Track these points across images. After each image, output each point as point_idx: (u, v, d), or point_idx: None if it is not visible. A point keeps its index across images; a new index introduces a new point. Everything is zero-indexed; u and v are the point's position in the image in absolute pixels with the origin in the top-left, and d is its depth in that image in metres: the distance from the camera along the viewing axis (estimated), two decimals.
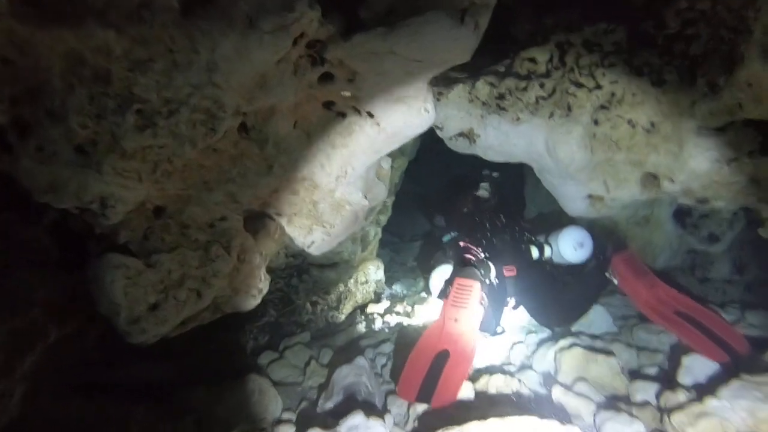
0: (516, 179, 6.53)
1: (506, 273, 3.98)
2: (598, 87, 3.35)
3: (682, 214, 4.65)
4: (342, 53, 2.32)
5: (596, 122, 3.42)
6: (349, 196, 2.86)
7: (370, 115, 2.66)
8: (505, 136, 3.61)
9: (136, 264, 2.39)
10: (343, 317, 5.34)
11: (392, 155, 5.49)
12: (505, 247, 4.10)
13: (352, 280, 5.36)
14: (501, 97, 3.57)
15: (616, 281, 3.69)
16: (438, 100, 3.63)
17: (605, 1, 3.23)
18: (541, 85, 3.49)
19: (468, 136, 3.73)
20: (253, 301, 2.98)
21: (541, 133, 3.53)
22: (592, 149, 3.45)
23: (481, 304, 3.33)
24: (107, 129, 2.02)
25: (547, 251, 4.11)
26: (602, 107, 3.39)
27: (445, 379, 2.88)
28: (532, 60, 3.50)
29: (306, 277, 5.09)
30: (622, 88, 3.29)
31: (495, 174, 5.78)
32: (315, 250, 2.95)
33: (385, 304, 5.57)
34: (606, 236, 4.59)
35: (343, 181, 2.78)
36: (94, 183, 2.09)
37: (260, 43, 2.08)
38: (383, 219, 5.65)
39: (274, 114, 2.43)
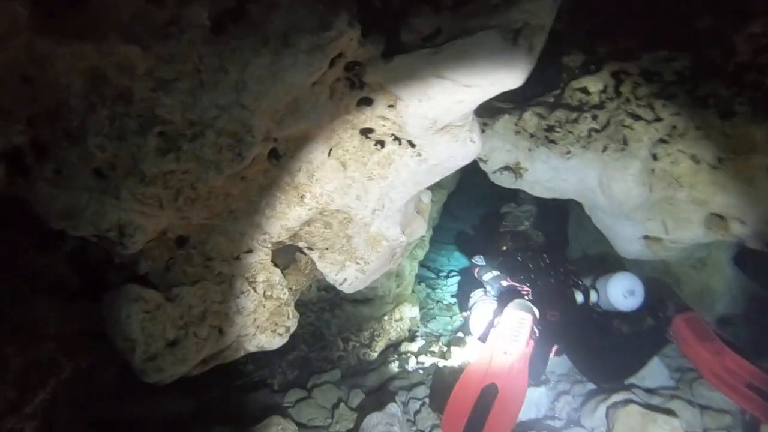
0: (558, 216, 6.22)
1: (549, 318, 3.66)
2: (658, 119, 3.07)
3: (743, 257, 4.29)
4: (383, 76, 2.13)
5: (655, 157, 3.13)
6: (386, 231, 2.63)
7: (411, 145, 2.44)
8: (555, 171, 3.35)
9: (156, 297, 2.21)
10: (375, 355, 5.07)
11: (431, 188, 5.31)
12: (549, 290, 3.79)
13: (386, 317, 5.10)
14: (550, 129, 3.32)
15: (676, 343, 3.43)
16: (483, 130, 3.40)
17: (666, 26, 2.97)
18: (594, 117, 3.23)
19: (514, 169, 3.48)
20: (279, 340, 2.75)
21: (594, 169, 3.25)
22: (651, 186, 3.15)
23: (532, 339, 3.12)
24: (127, 152, 1.86)
25: (593, 296, 3.79)
26: (662, 141, 3.10)
27: (494, 418, 2.66)
28: (584, 90, 3.26)
29: (339, 312, 4.86)
30: (684, 121, 3.00)
31: (524, 208, 5.52)
32: (348, 288, 2.72)
33: (419, 343, 5.27)
34: (666, 292, 4.21)
35: (380, 214, 2.56)
36: (112, 209, 1.92)
37: (295, 64, 1.90)
38: (420, 254, 5.40)
39: (308, 140, 2.24)
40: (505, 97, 3.47)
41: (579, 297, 3.75)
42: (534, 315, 3.19)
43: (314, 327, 4.95)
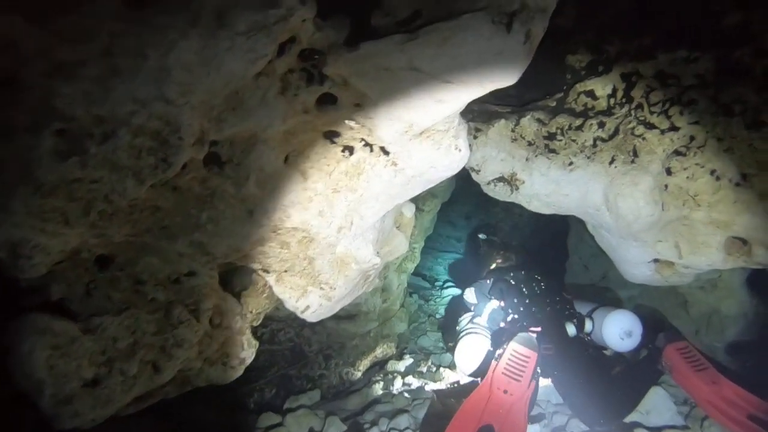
0: (557, 232, 5.81)
1: (543, 351, 3.27)
2: (674, 128, 2.64)
3: (757, 280, 3.88)
4: (346, 68, 1.70)
5: (669, 171, 2.70)
6: (355, 252, 2.21)
7: (385, 152, 2.02)
8: (555, 185, 2.91)
9: (68, 329, 1.78)
10: (359, 374, 4.66)
11: (419, 197, 4.88)
12: (545, 319, 3.37)
13: (371, 334, 4.67)
14: (551, 137, 2.89)
15: (670, 374, 3.20)
16: (475, 137, 2.97)
17: (686, 23, 2.54)
18: (601, 125, 2.80)
19: (510, 181, 3.05)
20: (233, 373, 2.34)
21: (599, 183, 2.82)
22: (663, 204, 2.72)
23: (534, 379, 2.88)
24: (16, 154, 1.44)
25: (588, 326, 3.43)
26: (677, 153, 2.67)
27: None
28: (591, 94, 2.83)
29: (320, 328, 4.44)
30: (704, 131, 2.57)
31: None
32: (311, 317, 2.30)
33: (407, 361, 4.85)
34: (656, 321, 3.92)
35: (347, 233, 2.14)
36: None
37: (231, 49, 1.48)
38: (410, 266, 4.96)
39: (257, 144, 1.81)
40: (501, 99, 3.06)
41: (570, 329, 3.38)
42: (538, 353, 2.90)
43: (294, 343, 4.53)
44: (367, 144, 2.02)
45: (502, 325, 3.59)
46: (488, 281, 3.98)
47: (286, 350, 4.58)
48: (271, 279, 2.18)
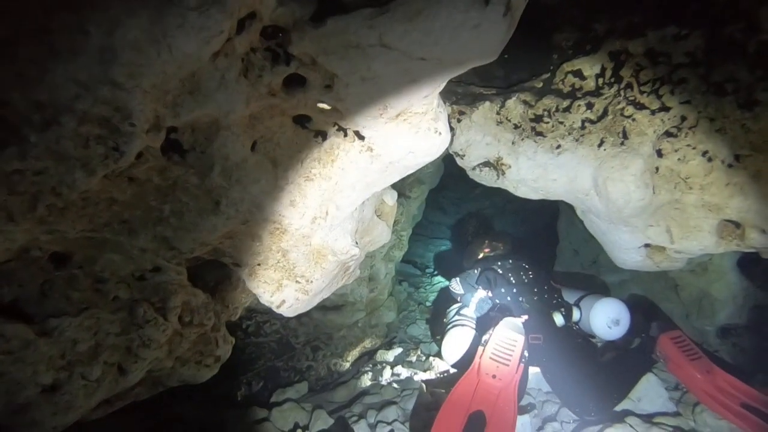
0: (547, 211, 5.71)
1: (532, 340, 3.24)
2: (664, 109, 2.52)
3: (748, 262, 3.81)
4: (313, 46, 1.56)
5: (660, 153, 2.59)
6: (332, 243, 2.08)
7: (359, 137, 1.89)
8: (542, 169, 2.79)
9: (22, 332, 1.65)
10: (347, 365, 4.57)
11: (406, 184, 4.75)
12: (533, 309, 3.29)
13: (359, 324, 4.56)
14: (538, 119, 2.76)
15: (664, 363, 3.24)
16: (458, 120, 2.84)
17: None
18: (589, 106, 2.67)
19: (495, 166, 2.92)
20: (207, 372, 2.22)
21: (588, 166, 2.69)
22: (654, 188, 2.61)
23: (522, 362, 2.84)
24: None
25: (576, 314, 3.45)
26: (669, 134, 2.55)
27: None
28: (578, 73, 2.69)
29: (306, 319, 4.33)
30: (696, 111, 2.45)
31: None
32: (288, 312, 2.17)
33: (396, 351, 4.75)
34: (648, 309, 3.94)
35: (322, 224, 2.00)
36: None
37: (183, 26, 1.34)
38: (397, 255, 4.85)
39: (221, 131, 1.67)
40: (486, 81, 2.92)
41: (558, 319, 3.37)
42: (525, 337, 2.90)
43: (280, 335, 4.43)
44: (340, 129, 1.88)
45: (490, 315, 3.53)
46: (476, 271, 3.90)
47: (273, 342, 4.47)
48: (243, 273, 2.06)
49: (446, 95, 2.83)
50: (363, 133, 1.86)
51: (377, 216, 2.56)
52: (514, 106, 2.79)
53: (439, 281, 7.01)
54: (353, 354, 4.61)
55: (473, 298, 3.77)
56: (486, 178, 3.02)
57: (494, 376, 2.65)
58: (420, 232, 9.08)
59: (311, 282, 2.11)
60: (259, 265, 2.04)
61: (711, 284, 4.02)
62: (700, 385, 2.98)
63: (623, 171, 2.57)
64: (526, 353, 2.92)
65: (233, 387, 4.19)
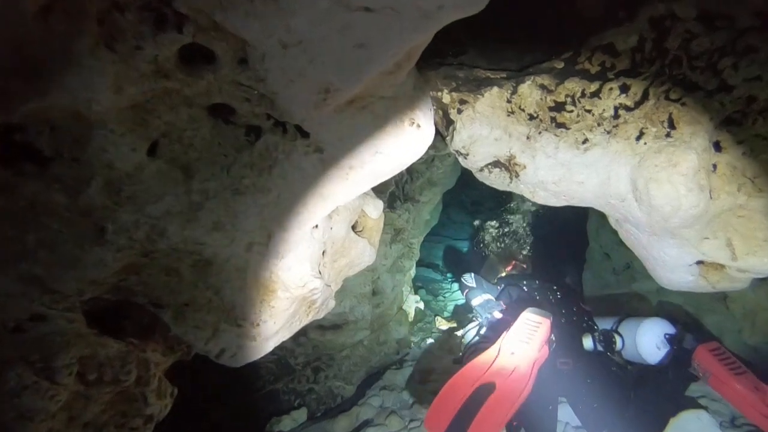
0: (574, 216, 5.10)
1: (560, 365, 2.88)
2: (725, 88, 1.88)
3: None
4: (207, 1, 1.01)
5: (719, 147, 1.95)
6: (283, 275, 1.53)
7: (302, 133, 1.33)
8: (565, 169, 2.17)
9: None
10: (352, 388, 4.01)
11: (415, 186, 4.16)
12: (560, 331, 2.80)
13: (365, 343, 4.02)
14: (559, 107, 2.15)
15: (702, 379, 2.72)
16: (459, 111, 2.25)
17: None
18: (624, 88, 2.05)
19: (508, 166, 2.32)
20: None
21: (624, 165, 2.06)
22: (711, 191, 1.97)
23: (548, 345, 2.65)
24: None
25: (618, 342, 2.94)
26: (730, 122, 1.92)
27: (483, 414, 2.18)
28: (609, 49, 2.07)
29: (303, 339, 3.81)
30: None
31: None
32: (232, 362, 1.63)
33: (408, 370, 4.18)
34: (681, 318, 3.53)
35: (263, 250, 1.45)
36: None
37: None
38: (407, 264, 4.27)
39: (94, 129, 1.14)
40: (494, 62, 2.33)
41: (588, 342, 2.98)
42: (552, 321, 2.67)
43: (276, 355, 3.92)
44: (277, 123, 1.33)
45: (496, 315, 3.31)
46: (499, 287, 3.49)
47: (271, 363, 3.98)
48: (166, 316, 1.52)
49: (444, 81, 2.24)
50: (305, 127, 1.30)
51: (356, 232, 2.00)
52: (529, 91, 2.18)
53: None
54: (359, 375, 4.07)
55: (481, 296, 3.53)
56: (497, 180, 2.42)
57: (513, 353, 2.45)
58: (441, 233, 8.49)
59: (258, 325, 1.56)
60: (186, 305, 1.51)
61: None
62: (752, 404, 2.49)
63: (670, 170, 1.93)
64: (553, 337, 2.74)
65: (230, 414, 3.77)
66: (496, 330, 3.19)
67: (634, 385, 2.94)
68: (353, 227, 2.02)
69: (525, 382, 2.37)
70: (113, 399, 1.61)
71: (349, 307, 3.45)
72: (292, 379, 3.98)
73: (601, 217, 4.55)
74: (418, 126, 1.38)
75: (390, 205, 3.58)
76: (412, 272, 5.47)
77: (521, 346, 2.51)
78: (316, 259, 1.65)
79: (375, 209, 2.06)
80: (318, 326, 3.67)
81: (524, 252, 4.51)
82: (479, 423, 2.18)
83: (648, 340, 2.87)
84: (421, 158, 3.58)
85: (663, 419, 2.68)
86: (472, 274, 3.69)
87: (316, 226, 1.61)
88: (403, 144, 1.39)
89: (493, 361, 2.45)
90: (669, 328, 2.92)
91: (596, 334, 2.93)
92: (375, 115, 1.30)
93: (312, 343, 3.77)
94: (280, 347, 3.94)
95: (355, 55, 1.06)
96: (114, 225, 1.24)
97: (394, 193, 3.64)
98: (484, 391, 2.27)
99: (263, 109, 1.28)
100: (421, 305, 5.39)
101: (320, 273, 1.67)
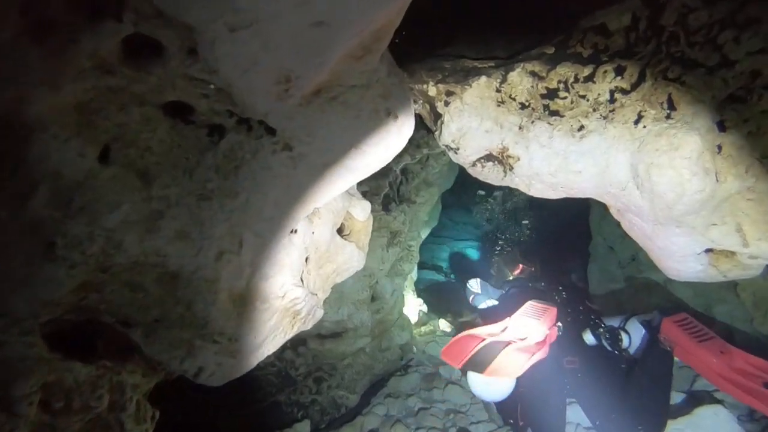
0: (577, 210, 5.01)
1: (567, 364, 2.85)
2: (727, 63, 1.76)
3: None
4: None
5: (723, 126, 1.82)
6: (259, 285, 1.41)
7: (268, 130, 1.21)
8: (561, 158, 2.04)
9: None
10: (355, 397, 3.88)
11: (411, 187, 4.04)
12: (566, 330, 2.70)
13: (367, 350, 3.88)
14: (551, 94, 2.03)
15: (672, 351, 2.72)
16: (446, 104, 2.12)
17: None
18: (619, 70, 1.93)
19: (501, 159, 2.19)
20: None
21: (623, 151, 1.93)
22: (717, 174, 1.84)
23: (556, 328, 2.69)
24: None
25: (624, 340, 2.87)
26: (734, 99, 1.79)
27: (503, 358, 2.25)
28: (602, 29, 1.95)
29: (303, 349, 3.69)
30: None
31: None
32: (211, 381, 1.50)
33: (412, 375, 4.05)
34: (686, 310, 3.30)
35: (235, 260, 1.33)
36: None
37: None
38: (407, 268, 4.14)
39: (34, 133, 1.02)
40: (481, 51, 2.21)
41: (588, 338, 2.92)
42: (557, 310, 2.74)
43: (276, 367, 3.80)
44: (241, 120, 1.21)
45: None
46: (504, 290, 3.43)
47: (271, 375, 3.86)
48: (136, 335, 1.40)
49: (429, 73, 2.12)
50: (270, 123, 1.18)
51: (343, 236, 1.88)
52: (519, 79, 2.06)
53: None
54: (362, 383, 3.93)
55: (486, 302, 3.55)
56: (490, 175, 2.29)
57: (525, 326, 2.48)
58: (444, 234, 8.37)
59: (236, 340, 1.44)
60: (156, 322, 1.39)
61: None
62: (715, 369, 2.52)
63: (672, 153, 1.80)
64: (560, 324, 2.74)
65: (229, 427, 3.64)
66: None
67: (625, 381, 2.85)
68: (339, 231, 1.90)
69: (542, 344, 2.44)
70: (85, 427, 1.49)
71: (348, 315, 3.32)
72: (294, 390, 3.84)
73: (603, 209, 4.44)
74: (396, 117, 1.26)
75: (385, 207, 3.46)
76: (414, 275, 5.34)
77: (531, 321, 2.55)
78: (297, 266, 1.52)
79: (362, 211, 1.94)
80: (317, 335, 3.55)
81: (525, 248, 4.44)
82: (499, 364, 2.26)
83: (639, 332, 2.86)
84: (414, 158, 3.48)
85: (659, 407, 2.65)
86: (478, 280, 3.70)
87: (295, 230, 1.49)
88: (380, 137, 1.27)
89: (504, 329, 2.50)
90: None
91: (601, 330, 2.83)
92: (346, 106, 1.18)
93: (312, 352, 3.65)
94: (280, 358, 3.84)
95: (314, 36, 0.95)
96: (64, 239, 1.12)
97: (389, 194, 3.51)
98: (498, 345, 2.34)
99: (223, 106, 1.16)
100: (425, 308, 5.26)
101: (302, 281, 1.55)
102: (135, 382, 1.64)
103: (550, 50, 2.08)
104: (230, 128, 1.22)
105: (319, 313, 1.80)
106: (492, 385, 2.82)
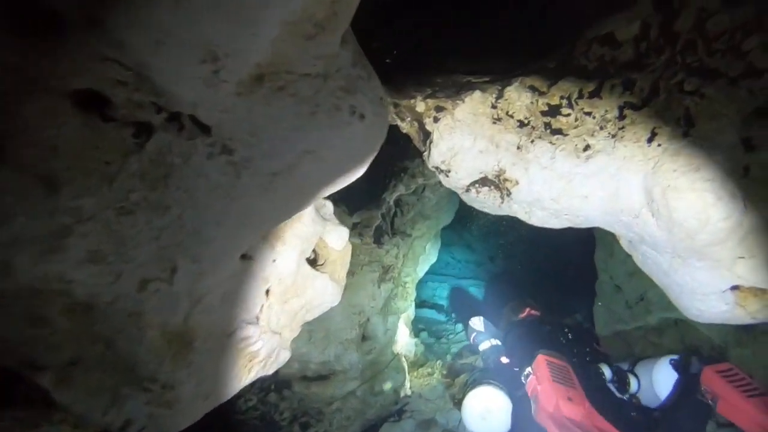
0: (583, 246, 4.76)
1: None
2: (754, 73, 1.52)
3: None
4: None
5: (750, 144, 1.57)
6: (201, 320, 1.14)
7: (203, 129, 0.97)
8: (565, 182, 1.79)
9: None
10: None
11: (406, 219, 3.78)
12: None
13: (357, 393, 3.56)
14: (553, 110, 1.80)
15: (712, 405, 2.39)
16: (435, 120, 1.89)
17: None
18: (628, 84, 1.70)
19: (497, 183, 1.94)
20: None
21: (635, 173, 1.68)
22: (745, 200, 1.58)
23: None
24: None
25: (633, 384, 2.69)
26: (761, 114, 1.55)
27: None
28: (609, 39, 1.74)
29: (287, 392, 3.37)
30: None
31: None
32: None
33: (406, 422, 3.70)
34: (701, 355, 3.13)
35: (167, 290, 1.07)
36: None
37: None
38: (402, 306, 3.85)
39: None
40: (475, 66, 1.99)
41: (607, 371, 2.74)
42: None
43: (260, 411, 3.47)
44: (172, 117, 0.98)
45: (503, 360, 3.04)
46: (506, 331, 3.21)
47: (255, 419, 3.53)
48: (45, 380, 1.13)
49: (417, 87, 1.90)
50: (202, 117, 0.94)
51: (316, 267, 1.61)
52: (518, 95, 1.83)
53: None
54: (352, 430, 3.59)
55: (488, 341, 3.29)
56: (486, 201, 2.04)
57: (570, 399, 2.30)
58: (444, 272, 8.07)
59: (172, 388, 1.16)
60: (71, 365, 1.12)
61: None
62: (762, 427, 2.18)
63: (692, 175, 1.55)
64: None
65: None
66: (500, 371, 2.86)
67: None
68: (313, 261, 1.64)
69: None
70: None
71: (335, 356, 3.02)
72: None
73: (610, 244, 4.15)
74: (362, 116, 1.02)
75: (377, 240, 3.20)
76: (411, 313, 5.03)
77: (572, 391, 2.40)
78: (250, 299, 1.26)
79: (339, 238, 1.67)
80: (302, 377, 3.24)
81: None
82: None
83: (663, 378, 2.60)
84: (410, 188, 3.23)
85: None
86: (481, 318, 3.49)
87: (249, 256, 1.23)
88: (342, 141, 1.02)
89: (558, 414, 2.32)
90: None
91: (602, 371, 2.64)
92: (298, 99, 0.94)
93: (297, 396, 3.33)
94: (263, 401, 3.51)
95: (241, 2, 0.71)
96: None
97: (381, 227, 3.26)
98: None
99: (145, 96, 0.92)
100: (422, 349, 4.92)
101: (258, 318, 1.28)
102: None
103: (551, 64, 1.86)
104: (158, 126, 0.98)
105: (284, 355, 1.52)
106: (489, 421, 2.65)
